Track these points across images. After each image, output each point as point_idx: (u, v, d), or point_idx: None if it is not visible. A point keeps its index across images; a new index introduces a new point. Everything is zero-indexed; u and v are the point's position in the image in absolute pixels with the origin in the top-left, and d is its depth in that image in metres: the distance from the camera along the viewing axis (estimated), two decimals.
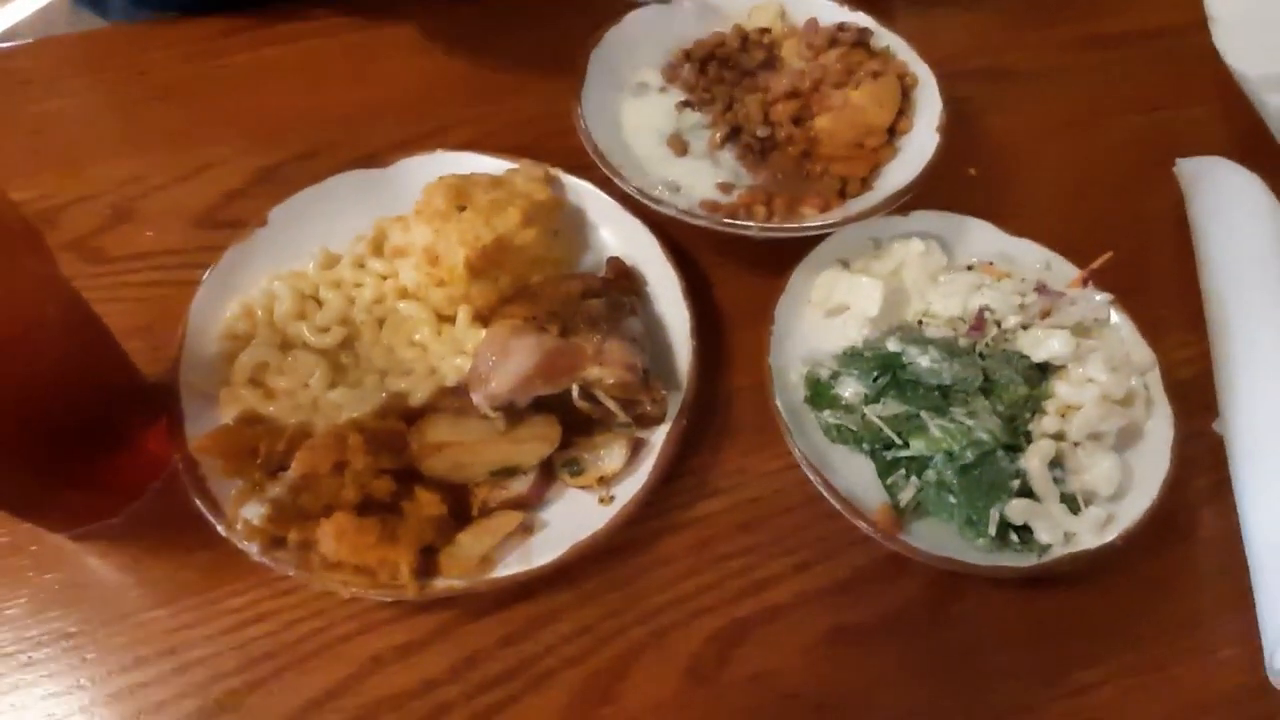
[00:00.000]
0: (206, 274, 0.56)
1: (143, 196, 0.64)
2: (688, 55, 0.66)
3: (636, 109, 0.65)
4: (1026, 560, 0.49)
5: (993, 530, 0.48)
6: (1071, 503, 0.50)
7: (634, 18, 0.65)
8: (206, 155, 0.66)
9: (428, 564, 0.47)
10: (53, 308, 0.41)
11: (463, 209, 0.54)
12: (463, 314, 0.54)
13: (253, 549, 0.47)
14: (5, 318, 0.38)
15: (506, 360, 0.48)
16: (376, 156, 0.62)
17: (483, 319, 0.54)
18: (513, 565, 0.48)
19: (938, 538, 0.49)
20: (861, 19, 0.66)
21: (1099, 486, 0.50)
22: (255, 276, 0.56)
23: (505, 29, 0.73)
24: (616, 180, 0.58)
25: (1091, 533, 0.49)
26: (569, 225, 0.60)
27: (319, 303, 0.55)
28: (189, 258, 0.60)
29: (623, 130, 0.64)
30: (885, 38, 0.65)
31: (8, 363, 0.39)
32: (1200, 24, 0.77)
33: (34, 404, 0.42)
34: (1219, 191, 0.63)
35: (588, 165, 0.60)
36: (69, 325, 0.44)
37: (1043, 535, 0.49)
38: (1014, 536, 0.49)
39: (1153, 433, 0.53)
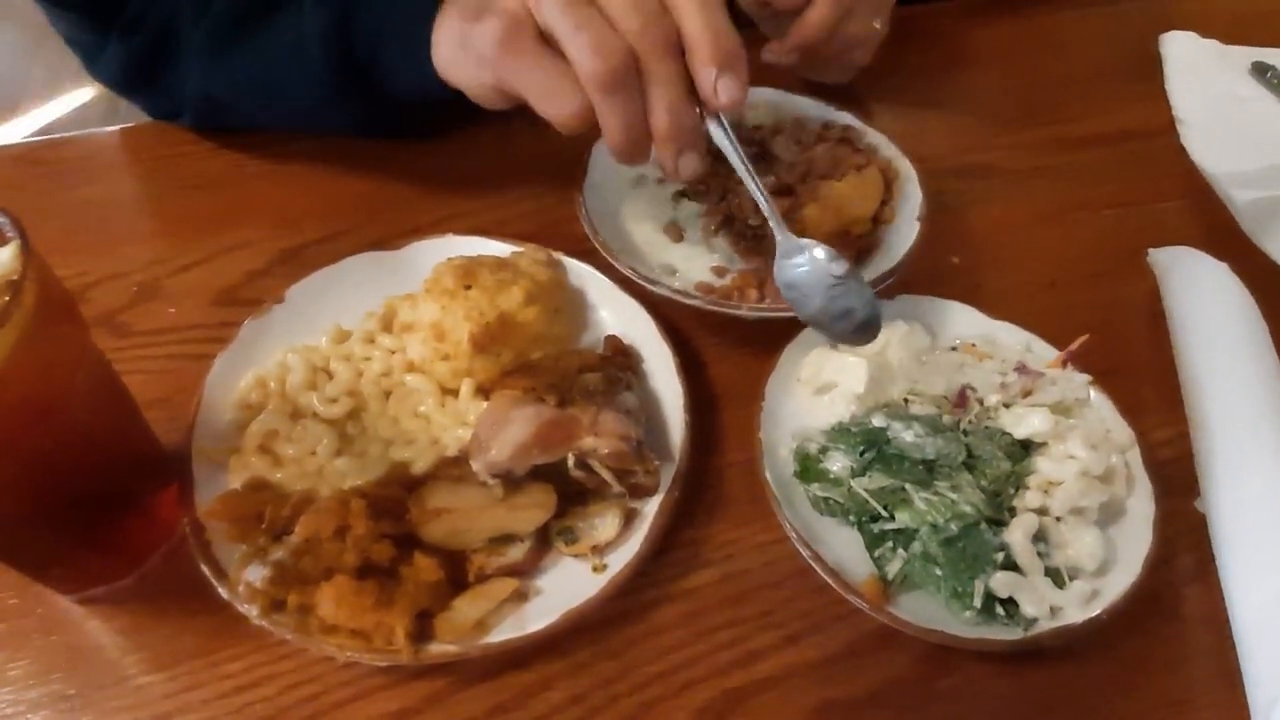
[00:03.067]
0: (224, 347, 0.58)
1: (168, 276, 0.68)
2: None
3: (635, 199, 0.69)
4: (1013, 634, 0.49)
5: (978, 602, 0.49)
6: (1056, 577, 0.51)
7: None
8: (230, 239, 0.70)
9: (423, 629, 0.48)
10: (83, 373, 0.44)
11: (469, 288, 0.58)
12: (466, 387, 0.57)
13: (253, 611, 0.48)
14: (43, 381, 0.40)
15: (505, 429, 0.51)
16: (390, 240, 0.66)
17: (485, 392, 0.57)
18: (506, 632, 0.48)
19: (925, 611, 0.50)
20: (846, 118, 0.71)
21: (1083, 561, 0.51)
22: (271, 350, 0.59)
23: (514, 126, 0.78)
24: (615, 263, 0.61)
25: (1077, 607, 0.50)
26: (570, 305, 0.63)
27: (329, 375, 0.58)
28: (209, 333, 0.63)
29: (622, 218, 0.68)
30: (869, 135, 0.70)
31: (40, 425, 0.41)
32: (1169, 126, 0.82)
33: (59, 467, 0.44)
34: (1191, 279, 0.66)
35: (589, 250, 0.63)
36: (96, 391, 0.47)
37: (1028, 608, 0.49)
38: (1000, 610, 0.50)
39: (1135, 509, 0.54)
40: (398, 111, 0.71)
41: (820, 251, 0.54)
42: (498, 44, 0.51)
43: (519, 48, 0.51)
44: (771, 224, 0.54)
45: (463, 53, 0.56)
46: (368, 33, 0.65)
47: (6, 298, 0.38)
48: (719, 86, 0.49)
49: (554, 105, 0.51)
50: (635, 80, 0.49)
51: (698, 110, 0.51)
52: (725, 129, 0.52)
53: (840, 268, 0.53)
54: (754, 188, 0.53)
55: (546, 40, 0.50)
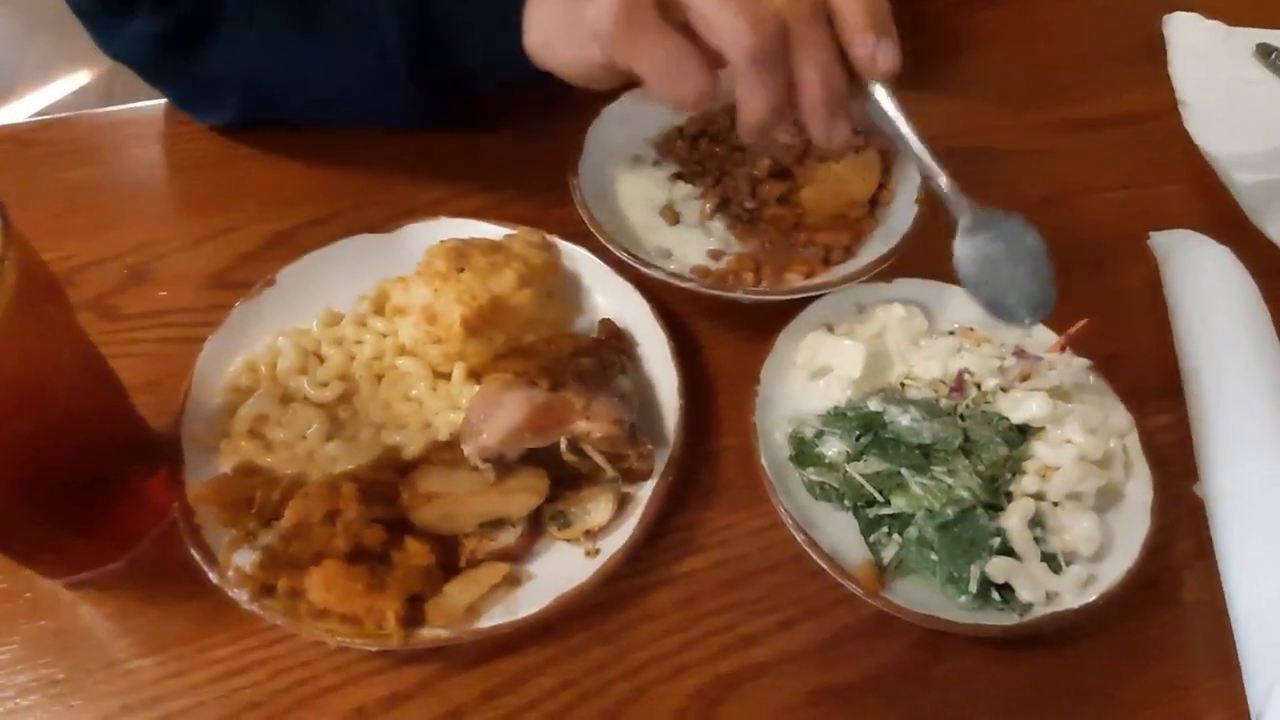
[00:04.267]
0: (214, 331, 0.58)
1: (159, 259, 0.67)
2: (680, 131, 0.70)
3: (631, 181, 0.68)
4: (1009, 619, 0.49)
5: (974, 587, 0.49)
6: (1053, 562, 0.51)
7: (630, 96, 0.69)
8: (222, 222, 0.69)
9: (414, 614, 0.48)
10: (68, 355, 0.43)
11: (461, 270, 0.57)
12: (458, 371, 0.56)
13: (242, 596, 0.47)
14: (26, 363, 0.40)
15: (497, 413, 0.50)
16: (382, 223, 0.65)
17: (477, 376, 0.56)
18: (498, 616, 0.48)
19: (921, 596, 0.50)
20: None
21: (1079, 546, 0.51)
22: (261, 334, 0.58)
23: (509, 108, 0.78)
24: (610, 246, 0.60)
25: (1073, 592, 0.50)
26: (564, 288, 0.62)
27: (320, 359, 0.57)
28: (200, 316, 0.62)
29: (618, 200, 0.67)
30: None
31: (23, 407, 0.41)
32: (1171, 109, 0.81)
33: (44, 450, 0.44)
34: (1192, 263, 0.65)
35: (584, 233, 0.63)
36: (82, 373, 0.46)
37: (1024, 594, 0.49)
38: (996, 595, 0.49)
39: (1133, 495, 0.53)
40: (463, 102, 0.67)
41: (1015, 223, 0.50)
42: (617, 22, 0.47)
43: (641, 24, 0.47)
44: (949, 199, 0.50)
45: (567, 33, 0.53)
46: (448, 13, 0.61)
47: None
48: (879, 54, 0.47)
49: (679, 86, 0.47)
50: (785, 50, 0.46)
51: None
52: (886, 89, 0.49)
53: (1035, 240, 0.49)
54: (928, 159, 0.49)
55: (666, 16, 0.47)
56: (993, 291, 0.50)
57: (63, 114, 0.79)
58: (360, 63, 0.64)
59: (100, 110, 0.80)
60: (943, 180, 0.50)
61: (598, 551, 0.51)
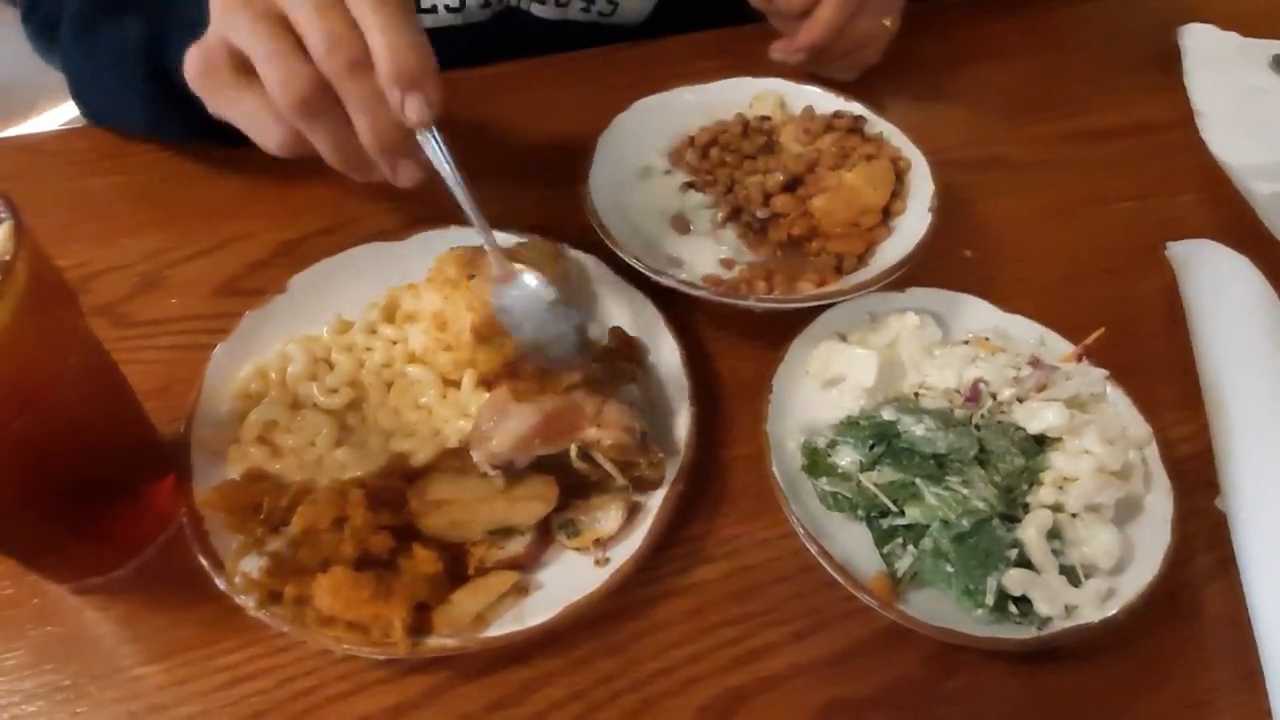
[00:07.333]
0: (225, 338, 0.58)
1: (170, 266, 0.67)
2: (692, 140, 0.70)
3: (642, 190, 0.68)
4: (1026, 632, 0.48)
5: (990, 600, 0.48)
6: (1071, 575, 0.50)
7: (641, 105, 0.69)
8: (233, 230, 0.70)
9: (422, 623, 0.47)
10: (78, 358, 0.43)
11: (472, 278, 0.57)
12: (468, 378, 0.56)
13: (249, 603, 0.47)
14: (34, 363, 0.40)
15: (507, 420, 0.50)
16: (393, 231, 0.65)
17: (487, 383, 0.56)
18: (506, 625, 0.47)
19: (936, 608, 0.49)
20: (856, 107, 0.70)
21: (1098, 559, 0.50)
22: (272, 341, 0.58)
23: (519, 117, 0.78)
24: (621, 255, 0.60)
25: (1092, 605, 0.49)
26: (574, 296, 0.62)
27: (330, 365, 0.57)
28: (211, 323, 0.62)
29: (629, 210, 0.66)
30: (879, 125, 0.69)
31: (32, 409, 0.40)
32: (1186, 119, 0.81)
33: (51, 453, 0.44)
34: (1210, 272, 0.64)
35: (595, 242, 0.62)
36: (92, 377, 0.46)
37: (1042, 607, 0.48)
38: (1013, 608, 0.48)
39: (1152, 507, 0.52)
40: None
41: (532, 278, 0.53)
42: (196, 79, 0.52)
43: (216, 81, 0.51)
44: (486, 246, 0.53)
45: None
46: (186, 16, 0.62)
47: None
48: (405, 107, 0.48)
49: (261, 136, 0.52)
50: (333, 103, 0.49)
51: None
52: (435, 139, 0.51)
53: (550, 294, 0.53)
54: (466, 203, 0.53)
55: (246, 66, 0.50)
56: (531, 336, 0.53)
57: (78, 125, 0.79)
58: (103, 59, 0.67)
59: None
60: (484, 234, 0.53)
61: (607, 560, 0.50)
